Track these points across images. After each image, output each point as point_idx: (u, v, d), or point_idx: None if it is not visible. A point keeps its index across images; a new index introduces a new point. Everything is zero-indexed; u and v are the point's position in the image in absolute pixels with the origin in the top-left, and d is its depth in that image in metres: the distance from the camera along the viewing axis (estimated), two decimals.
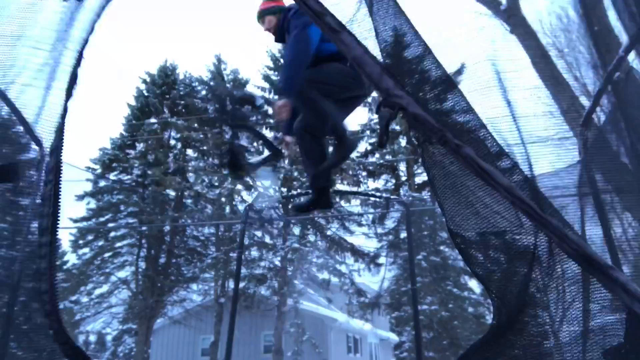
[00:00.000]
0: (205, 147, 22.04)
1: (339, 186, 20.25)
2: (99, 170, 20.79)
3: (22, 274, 2.61)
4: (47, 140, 2.13)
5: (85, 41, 2.11)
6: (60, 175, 1.92)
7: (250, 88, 23.03)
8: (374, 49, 1.75)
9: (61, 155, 1.95)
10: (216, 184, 21.33)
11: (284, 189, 19.37)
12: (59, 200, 1.87)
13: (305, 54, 2.65)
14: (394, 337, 24.92)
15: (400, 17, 1.83)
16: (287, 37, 2.84)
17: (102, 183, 20.63)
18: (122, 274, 19.88)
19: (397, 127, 19.59)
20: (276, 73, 22.15)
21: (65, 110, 2.01)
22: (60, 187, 1.91)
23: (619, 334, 1.60)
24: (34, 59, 2.24)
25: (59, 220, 1.88)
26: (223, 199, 20.45)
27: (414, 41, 1.84)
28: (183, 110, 22.41)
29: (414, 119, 1.58)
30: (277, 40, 3.01)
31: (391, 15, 1.85)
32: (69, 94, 2.02)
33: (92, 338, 22.22)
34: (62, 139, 1.99)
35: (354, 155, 21.13)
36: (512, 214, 1.88)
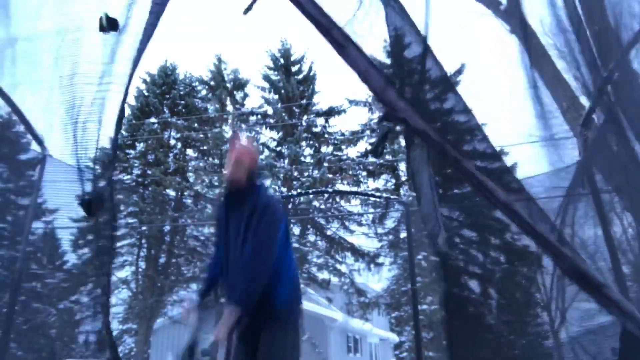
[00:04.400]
0: (205, 147, 22.04)
1: (339, 186, 20.24)
2: (99, 171, 20.72)
3: (22, 274, 2.64)
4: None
5: (130, 77, 2.21)
6: (114, 202, 2.16)
7: (250, 88, 23.04)
8: (374, 48, 1.76)
9: (115, 187, 2.16)
10: (216, 184, 21.33)
11: (284, 189, 19.36)
12: (117, 225, 2.11)
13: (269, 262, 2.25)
14: (394, 337, 24.93)
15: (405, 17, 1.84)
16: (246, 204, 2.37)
17: (102, 183, 20.56)
18: (122, 274, 19.87)
19: (397, 127, 19.52)
20: (276, 73, 22.16)
21: (116, 141, 2.17)
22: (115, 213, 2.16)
23: (615, 335, 1.60)
24: (87, 95, 2.36)
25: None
26: None
27: (415, 41, 1.85)
28: (183, 110, 22.40)
29: (414, 132, 1.58)
30: (231, 192, 2.50)
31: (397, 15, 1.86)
32: (118, 127, 2.16)
33: (92, 338, 22.18)
34: (114, 171, 2.19)
35: (354, 154, 21.15)
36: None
